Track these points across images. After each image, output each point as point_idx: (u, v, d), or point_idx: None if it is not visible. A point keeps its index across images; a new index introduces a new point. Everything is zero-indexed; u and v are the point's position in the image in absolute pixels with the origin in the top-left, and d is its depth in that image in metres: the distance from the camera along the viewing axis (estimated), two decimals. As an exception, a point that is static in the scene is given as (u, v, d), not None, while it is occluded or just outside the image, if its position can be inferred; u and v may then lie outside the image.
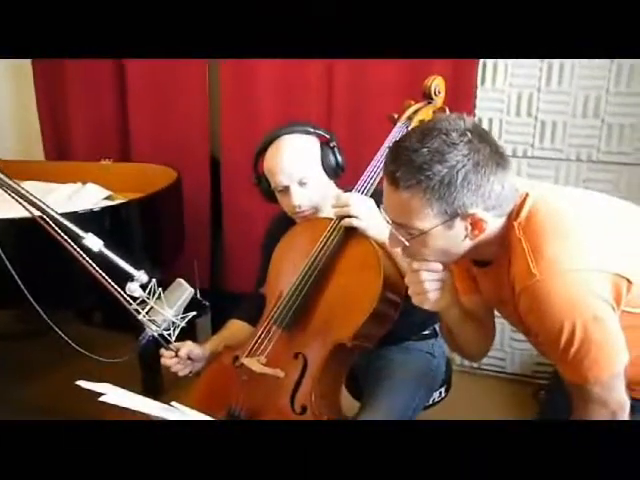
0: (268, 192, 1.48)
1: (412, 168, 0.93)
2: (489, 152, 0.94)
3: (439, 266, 1.07)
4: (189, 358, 1.39)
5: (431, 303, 1.10)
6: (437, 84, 1.44)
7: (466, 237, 0.99)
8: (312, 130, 1.46)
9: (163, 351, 1.37)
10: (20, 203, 1.07)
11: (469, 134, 0.94)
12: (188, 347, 1.38)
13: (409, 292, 1.11)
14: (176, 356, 1.36)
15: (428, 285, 1.07)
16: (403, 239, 1.00)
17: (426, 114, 1.42)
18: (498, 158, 0.95)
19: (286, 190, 1.42)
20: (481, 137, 0.95)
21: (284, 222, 1.51)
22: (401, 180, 0.94)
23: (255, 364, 1.31)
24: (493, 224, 0.99)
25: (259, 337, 1.37)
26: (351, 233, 1.33)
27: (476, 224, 0.97)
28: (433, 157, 0.92)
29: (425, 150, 0.92)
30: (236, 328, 1.54)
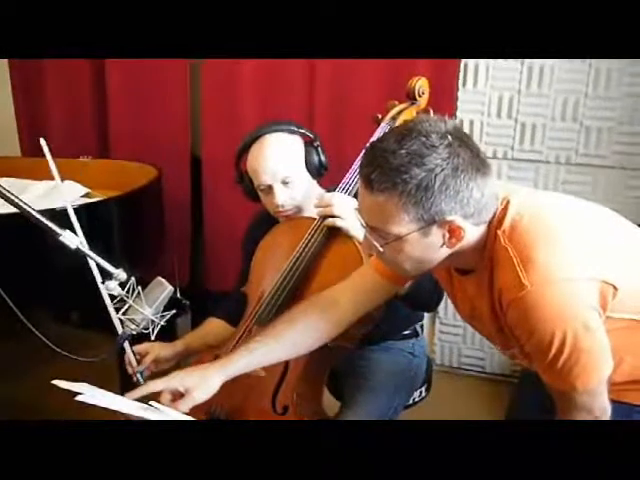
0: (250, 190, 1.47)
1: (388, 170, 0.89)
2: (469, 157, 0.90)
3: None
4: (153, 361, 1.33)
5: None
6: (421, 85, 1.45)
7: (443, 245, 0.95)
8: (296, 129, 1.45)
9: (128, 358, 1.27)
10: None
11: (449, 137, 0.89)
12: (154, 353, 1.32)
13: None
14: (140, 363, 1.28)
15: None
16: (377, 244, 0.97)
17: (410, 115, 1.42)
18: (478, 164, 0.91)
19: (269, 189, 1.42)
20: (462, 141, 0.90)
21: (265, 221, 1.50)
22: (376, 182, 0.90)
23: (236, 364, 1.30)
24: (472, 232, 0.95)
25: (241, 337, 1.36)
26: (334, 233, 1.33)
27: (454, 232, 0.93)
28: (411, 160, 0.87)
29: (403, 152, 0.88)
30: (212, 326, 1.52)
